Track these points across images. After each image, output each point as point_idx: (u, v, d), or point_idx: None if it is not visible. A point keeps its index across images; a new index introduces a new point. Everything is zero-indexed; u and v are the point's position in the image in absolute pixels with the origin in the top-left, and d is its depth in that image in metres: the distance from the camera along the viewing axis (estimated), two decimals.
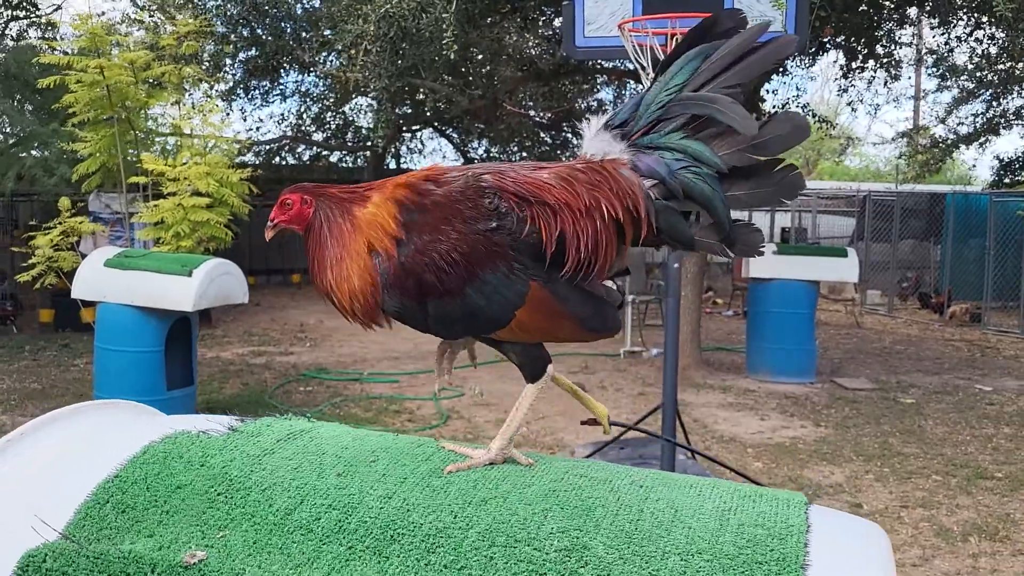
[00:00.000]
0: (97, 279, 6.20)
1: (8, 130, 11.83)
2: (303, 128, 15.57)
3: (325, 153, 17.30)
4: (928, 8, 9.18)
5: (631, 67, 11.38)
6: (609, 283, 1.26)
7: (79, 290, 6.27)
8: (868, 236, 15.62)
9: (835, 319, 13.71)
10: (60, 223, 7.12)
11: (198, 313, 6.51)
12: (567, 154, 17.09)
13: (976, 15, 8.82)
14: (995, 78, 12.62)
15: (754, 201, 1.20)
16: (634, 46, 4.38)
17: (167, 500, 0.99)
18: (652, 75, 4.41)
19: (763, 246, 1.27)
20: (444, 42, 5.98)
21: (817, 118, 10.68)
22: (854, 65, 11.26)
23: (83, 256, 7.04)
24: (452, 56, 6.22)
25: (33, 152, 10.84)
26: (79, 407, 1.26)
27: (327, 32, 9.03)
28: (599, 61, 10.70)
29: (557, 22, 10.23)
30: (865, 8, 8.68)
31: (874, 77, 11.79)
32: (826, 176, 31.34)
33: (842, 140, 20.31)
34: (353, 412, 7.17)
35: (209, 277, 5.99)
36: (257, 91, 12.23)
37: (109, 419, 1.26)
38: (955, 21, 10.02)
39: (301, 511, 0.96)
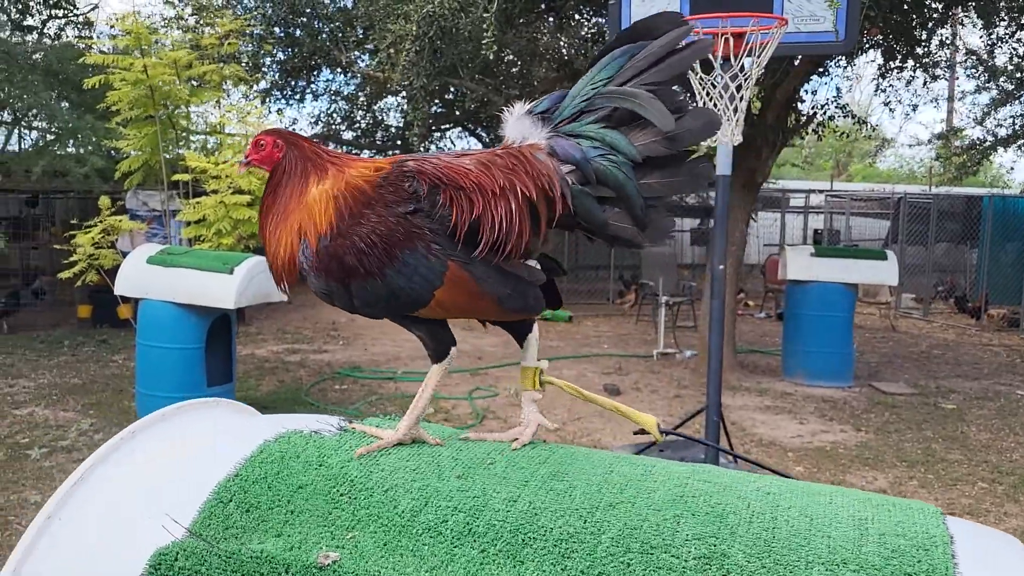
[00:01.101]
0: (140, 276, 6.26)
1: (45, 125, 12.00)
2: (333, 127, 15.63)
3: (355, 151, 17.36)
4: (973, 8, 9.04)
5: None
6: (532, 263, 1.30)
7: (122, 287, 6.33)
8: (903, 239, 15.43)
9: (869, 322, 13.57)
10: (101, 221, 7.19)
11: (237, 310, 6.56)
12: None
13: (1020, 16, 8.68)
14: None
15: (666, 189, 1.24)
16: None
17: (290, 500, 0.99)
18: (699, 74, 4.39)
19: (673, 230, 1.31)
20: (484, 42, 5.98)
21: (856, 119, 10.56)
22: (892, 65, 11.12)
23: (121, 253, 7.12)
24: (490, 55, 6.21)
25: (69, 148, 10.98)
26: (183, 406, 1.27)
27: (362, 32, 9.07)
28: None
29: (593, 21, 10.20)
30: (908, 8, 8.57)
31: (913, 77, 11.64)
32: (858, 178, 31.01)
33: (876, 142, 20.08)
34: (389, 411, 7.18)
35: (250, 275, 6.03)
36: (293, 91, 12.30)
37: (213, 417, 1.26)
38: (997, 21, 9.87)
39: (427, 513, 0.95)
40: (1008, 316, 13.42)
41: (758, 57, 4.21)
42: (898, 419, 7.48)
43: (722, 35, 4.22)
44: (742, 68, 4.21)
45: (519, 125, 1.28)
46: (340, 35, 9.14)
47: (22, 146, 13.23)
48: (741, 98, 4.32)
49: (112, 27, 10.86)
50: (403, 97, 10.67)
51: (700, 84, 4.33)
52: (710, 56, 4.30)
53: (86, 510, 1.05)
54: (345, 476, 1.02)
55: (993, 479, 5.92)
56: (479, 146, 18.29)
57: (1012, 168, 57.14)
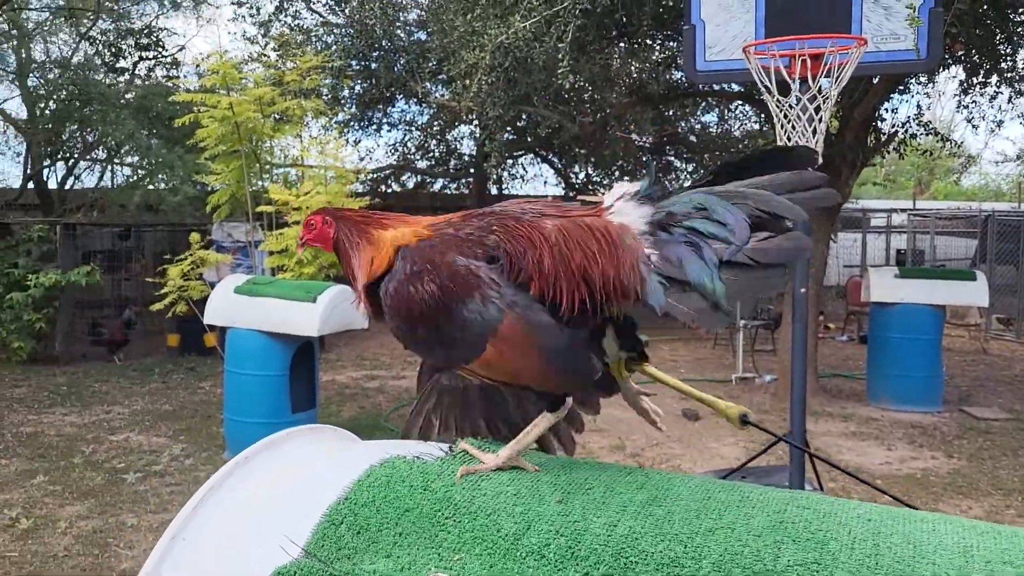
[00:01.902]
0: (228, 306, 6.49)
1: (137, 160, 12.58)
2: (408, 156, 15.94)
3: (429, 180, 17.65)
4: None
5: (737, 89, 11.24)
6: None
7: (211, 316, 6.57)
8: (992, 258, 14.88)
9: (958, 345, 13.09)
10: (190, 254, 7.48)
11: (319, 338, 6.73)
12: (669, 177, 16.95)
13: None
14: None
15: (734, 290, 1.19)
16: (758, 68, 4.33)
17: (398, 522, 1.03)
18: (776, 96, 4.36)
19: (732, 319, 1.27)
20: (560, 71, 6.05)
21: (939, 136, 10.29)
22: (975, 81, 10.81)
23: (208, 284, 7.39)
24: (565, 84, 6.28)
25: (160, 183, 11.48)
26: (290, 432, 1.33)
27: (436, 63, 9.25)
28: (710, 84, 10.61)
29: (665, 45, 10.21)
30: (991, 22, 8.34)
31: (997, 92, 11.28)
32: (941, 196, 30.08)
33: (960, 159, 19.49)
34: (466, 436, 7.23)
35: (332, 304, 6.18)
36: (369, 121, 12.62)
37: (318, 443, 1.32)
38: None
39: (529, 536, 0.98)
40: None
41: (837, 77, 4.16)
42: (992, 445, 7.19)
43: (799, 56, 4.19)
44: (820, 89, 4.17)
45: (622, 202, 1.26)
46: (415, 66, 9.35)
47: (115, 182, 13.87)
48: (820, 119, 4.27)
49: (198, 66, 11.37)
50: (476, 126, 10.84)
51: (777, 106, 4.30)
52: (787, 77, 4.27)
53: (204, 533, 1.11)
54: (449, 500, 1.06)
55: None
56: (552, 171, 18.41)
57: None
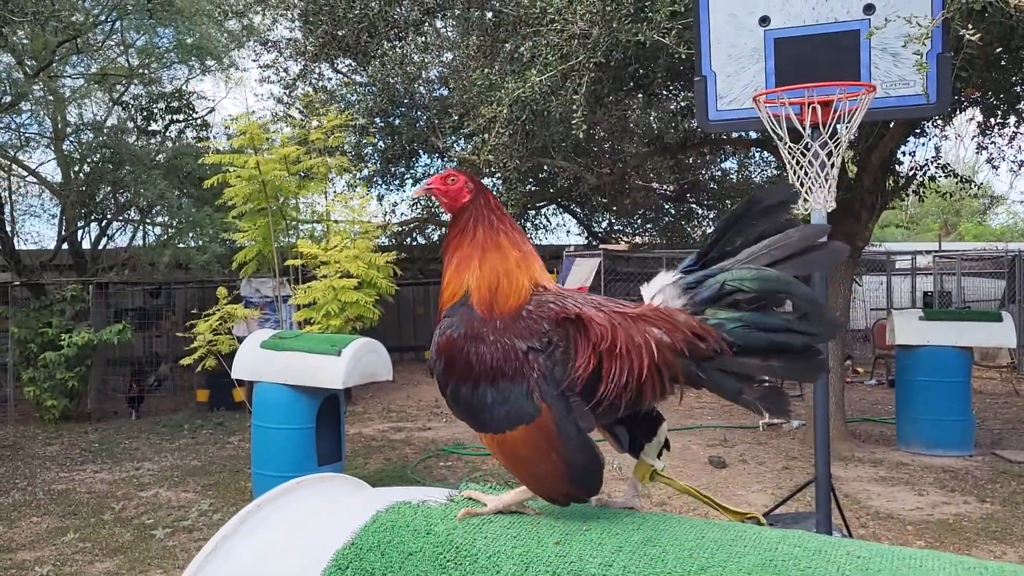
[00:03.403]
0: (254, 360, 6.57)
1: (167, 220, 12.86)
2: (432, 209, 16.14)
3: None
4: None
5: (755, 136, 11.32)
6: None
7: (239, 371, 6.65)
8: (1021, 298, 14.70)
9: (990, 387, 12.88)
10: (218, 310, 7.61)
11: (345, 390, 6.79)
12: (691, 224, 17.00)
13: None
14: None
15: (778, 373, 1.28)
16: (769, 116, 4.41)
17: (402, 566, 1.08)
18: (788, 143, 4.42)
19: (791, 410, 1.32)
20: (575, 122, 6.17)
21: (959, 178, 10.27)
22: (992, 122, 10.82)
23: (237, 339, 7.50)
24: (580, 135, 6.39)
25: (190, 241, 11.71)
26: (301, 481, 1.38)
27: (457, 118, 9.44)
28: (726, 132, 10.71)
29: (681, 95, 10.34)
30: (1005, 64, 8.38)
31: (1016, 133, 11.28)
32: (968, 236, 29.82)
33: (984, 199, 19.41)
34: (493, 486, 7.21)
35: (356, 356, 6.25)
36: (393, 176, 12.84)
37: (329, 491, 1.37)
38: None
39: None
40: None
41: (848, 123, 4.22)
42: None
43: (809, 104, 4.26)
44: (832, 135, 4.23)
45: (660, 293, 1.33)
46: (436, 122, 9.56)
47: (146, 241, 14.16)
48: (832, 164, 4.32)
49: (227, 128, 11.67)
50: (498, 178, 11.00)
51: (789, 153, 4.36)
52: (798, 125, 4.34)
53: None
54: (451, 543, 1.10)
55: None
56: (574, 221, 18.54)
57: None
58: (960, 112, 9.87)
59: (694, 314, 1.26)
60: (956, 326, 8.37)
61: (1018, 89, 9.74)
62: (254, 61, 13.07)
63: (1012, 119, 10.67)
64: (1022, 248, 16.55)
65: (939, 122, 10.25)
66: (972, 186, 10.75)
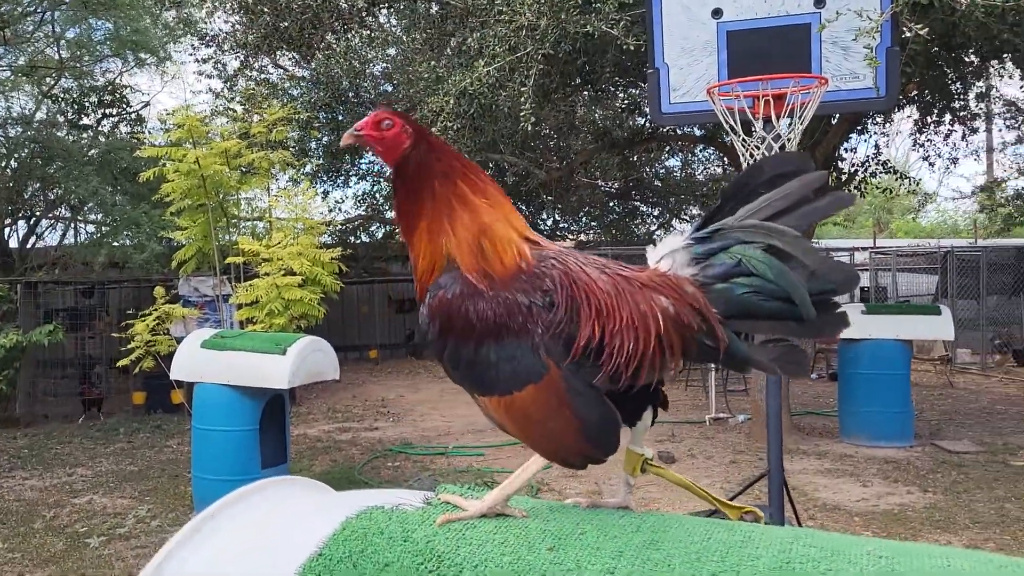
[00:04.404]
0: (194, 360, 6.35)
1: (101, 217, 12.42)
2: (377, 207, 15.93)
3: (397, 231, 17.63)
4: (1009, 59, 9.02)
5: (700, 133, 11.40)
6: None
7: (178, 371, 6.42)
8: (953, 293, 15.12)
9: (925, 379, 13.20)
10: (156, 309, 7.36)
11: (289, 391, 6.61)
12: (636, 221, 17.09)
13: None
14: None
15: (799, 332, 1.22)
16: (723, 109, 4.39)
17: None
18: (742, 136, 4.41)
19: (808, 366, 1.28)
20: (522, 115, 6.09)
21: (898, 175, 10.50)
22: (929, 120, 11.10)
23: (175, 339, 7.25)
24: (529, 128, 6.31)
25: (125, 240, 11.32)
26: (260, 485, 1.26)
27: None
28: (673, 128, 10.76)
29: (627, 93, 10.35)
30: (943, 63, 8.58)
31: (951, 131, 11.59)
32: (900, 233, 30.66)
33: (918, 197, 19.96)
34: (443, 486, 7.10)
35: (302, 355, 6.08)
36: (338, 172, 12.61)
37: (291, 496, 1.26)
38: None
39: None
40: None
41: (800, 117, 4.22)
42: (966, 479, 7.20)
43: (763, 97, 4.25)
44: (786, 127, 4.22)
45: (668, 257, 1.26)
46: None
47: (78, 239, 13.67)
48: None
49: (164, 122, 11.31)
50: None
51: (743, 146, 4.35)
52: (751, 117, 4.32)
53: None
54: (432, 551, 1.00)
55: None
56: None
57: None
58: (899, 110, 10.08)
59: (702, 287, 1.18)
60: (897, 320, 8.52)
61: (953, 88, 10.00)
62: (191, 55, 12.68)
63: (947, 117, 10.97)
64: (954, 244, 17.04)
65: (880, 119, 10.46)
66: (911, 182, 10.99)
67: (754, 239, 1.18)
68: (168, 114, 8.22)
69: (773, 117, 4.25)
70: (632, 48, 5.60)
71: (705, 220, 1.26)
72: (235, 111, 9.35)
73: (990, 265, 15.27)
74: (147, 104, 15.05)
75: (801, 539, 0.97)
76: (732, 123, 4.35)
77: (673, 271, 1.21)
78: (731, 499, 5.24)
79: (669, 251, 1.24)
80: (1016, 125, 12.68)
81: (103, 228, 12.00)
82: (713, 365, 10.27)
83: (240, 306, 7.34)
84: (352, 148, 8.07)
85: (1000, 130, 15.02)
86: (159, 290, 7.46)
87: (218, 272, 7.78)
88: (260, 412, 6.24)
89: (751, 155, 4.32)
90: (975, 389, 12.51)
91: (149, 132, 13.72)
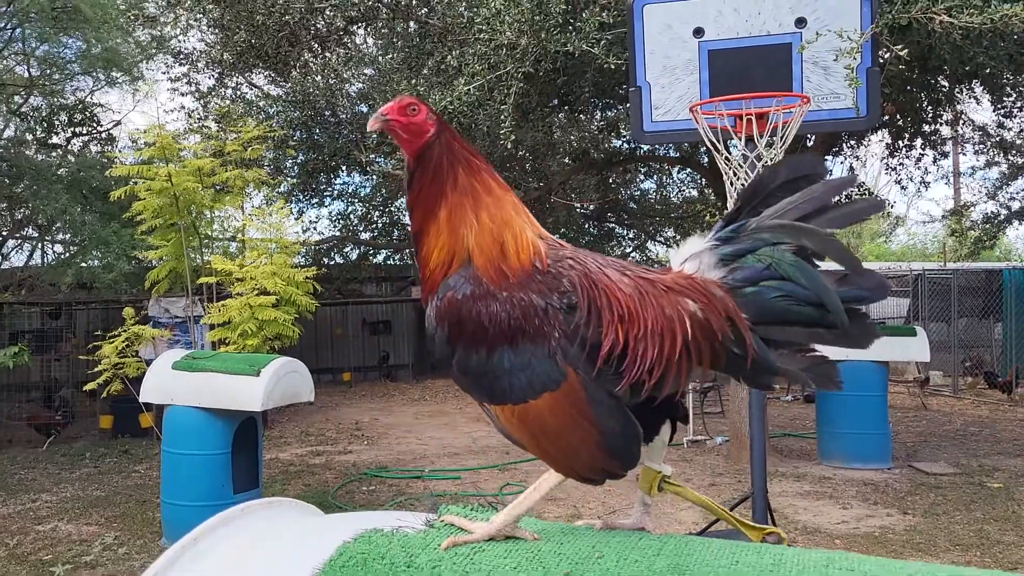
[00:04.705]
0: (165, 382, 6.20)
1: (70, 237, 12.18)
2: (351, 228, 15.82)
3: (372, 252, 17.51)
4: (979, 84, 9.17)
5: (675, 155, 11.42)
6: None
7: (147, 394, 6.27)
8: (925, 316, 15.27)
9: (899, 401, 13.28)
10: (125, 330, 7.19)
11: (261, 414, 6.47)
12: (611, 243, 17.10)
13: None
14: None
15: (830, 341, 1.17)
16: (705, 128, 4.37)
17: None
18: (725, 154, 4.39)
19: (841, 379, 1.22)
20: (502, 133, 6.05)
21: (874, 197, 10.59)
22: (900, 144, 11.23)
23: (145, 361, 7.09)
24: (508, 146, 6.27)
25: (94, 261, 11.10)
26: (245, 507, 1.18)
27: (377, 135, 9.22)
28: (651, 149, 10.79)
29: (605, 114, 10.38)
30: (914, 88, 8.69)
31: (922, 155, 11.74)
32: (871, 257, 31.02)
33: (889, 220, 20.21)
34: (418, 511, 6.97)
35: (277, 376, 5.96)
36: (313, 192, 12.49)
37: (278, 519, 1.17)
38: (1004, 97, 9.98)
39: None
40: None
41: (783, 135, 4.21)
42: (944, 500, 7.20)
43: (745, 116, 4.24)
44: (768, 146, 4.21)
45: (693, 259, 1.20)
46: (359, 136, 9.33)
47: (45, 260, 13.41)
48: None
49: (135, 141, 11.15)
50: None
51: (726, 164, 4.33)
52: (734, 135, 4.31)
53: None
54: None
55: None
56: None
57: None
58: (873, 132, 10.19)
59: (731, 290, 1.12)
60: (874, 341, 8.54)
61: (925, 113, 10.14)
62: (164, 73, 12.54)
63: (918, 141, 11.12)
64: (925, 267, 17.24)
65: (852, 142, 10.57)
66: (888, 205, 11.09)
67: (783, 239, 1.12)
68: (141, 132, 8.10)
69: (756, 136, 4.24)
70: (612, 67, 5.59)
71: (727, 221, 1.20)
72: (209, 128, 9.24)
73: (960, 288, 15.45)
74: (118, 123, 14.81)
75: (836, 563, 0.91)
76: (715, 141, 4.33)
77: (700, 273, 1.15)
78: (712, 523, 5.16)
79: (694, 253, 1.17)
80: (985, 150, 12.86)
81: (71, 248, 11.77)
82: (708, 383, 10.27)
83: (212, 327, 7.19)
84: (327, 167, 7.98)
85: (968, 155, 15.27)
86: (129, 311, 7.31)
87: (190, 292, 7.63)
88: (232, 435, 6.10)
89: (734, 174, 4.31)
90: (948, 411, 12.59)
91: (120, 151, 13.54)
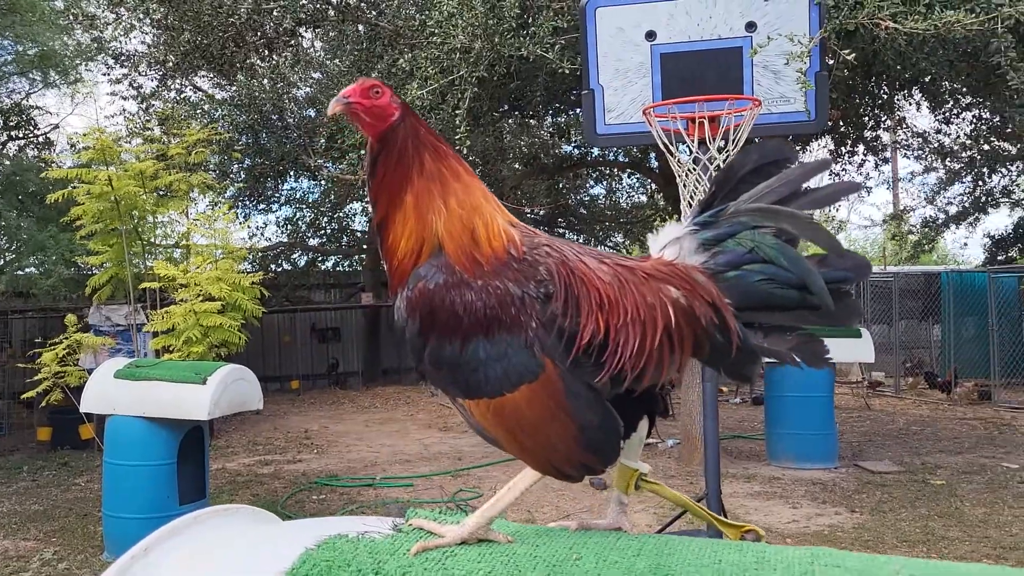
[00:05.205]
0: (107, 391, 6.01)
1: (4, 243, 11.79)
2: (299, 234, 15.62)
3: (320, 258, 17.31)
4: (918, 91, 9.40)
5: (625, 160, 11.49)
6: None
7: (88, 404, 6.07)
8: (868, 318, 15.60)
9: (844, 402, 13.53)
10: (66, 338, 6.97)
11: (208, 423, 6.32)
12: None
13: (973, 96, 9.04)
14: (981, 158, 12.89)
15: (815, 322, 1.19)
16: (659, 130, 4.39)
17: None
18: (678, 156, 4.41)
19: (830, 356, 1.22)
20: (457, 138, 6.01)
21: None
22: (843, 150, 11.49)
23: (86, 370, 6.89)
24: (464, 151, 6.23)
25: (30, 268, 10.76)
26: (198, 515, 1.12)
27: (323, 141, 9.08)
28: (602, 154, 10.84)
29: (555, 120, 10.40)
30: (856, 95, 8.88)
31: (864, 160, 12.02)
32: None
33: (832, 225, 20.68)
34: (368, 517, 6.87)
35: (224, 384, 5.82)
36: (260, 198, 12.29)
37: (234, 527, 1.11)
38: (942, 105, 10.26)
39: None
40: (978, 389, 13.52)
41: (735, 138, 4.25)
42: (890, 498, 7.33)
43: (698, 119, 4.27)
44: (720, 149, 4.24)
45: (673, 244, 1.18)
46: (307, 141, 9.19)
47: None
48: None
49: (74, 144, 10.83)
50: (368, 202, 10.67)
51: (679, 167, 4.35)
52: (686, 137, 4.33)
53: None
54: None
55: (998, 555, 5.77)
56: None
57: (966, 244, 59.00)
58: (817, 138, 10.38)
59: (713, 275, 1.10)
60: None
61: (866, 119, 10.37)
62: (105, 75, 12.23)
63: (860, 147, 11.38)
64: None
65: (797, 147, 10.75)
66: (824, 210, 11.32)
67: (763, 223, 1.11)
68: (81, 135, 7.86)
69: (708, 138, 4.26)
70: (566, 72, 5.58)
71: (704, 206, 1.18)
72: (152, 130, 9.02)
73: (901, 291, 15.83)
74: (56, 126, 14.41)
75: (820, 559, 0.89)
76: (668, 144, 4.35)
77: (680, 259, 1.12)
78: (667, 525, 5.17)
79: (674, 238, 1.15)
80: (924, 156, 13.22)
81: (6, 254, 11.39)
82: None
83: (156, 334, 7.00)
84: (276, 172, 7.81)
85: (908, 160, 15.67)
86: (70, 318, 7.08)
87: (132, 299, 7.42)
88: (177, 445, 5.94)
89: (686, 175, 4.33)
90: (891, 411, 12.87)
91: (58, 154, 13.17)
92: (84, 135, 7.64)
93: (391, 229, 1.15)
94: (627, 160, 11.32)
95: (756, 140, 8.12)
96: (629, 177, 14.60)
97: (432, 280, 1.08)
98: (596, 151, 10.39)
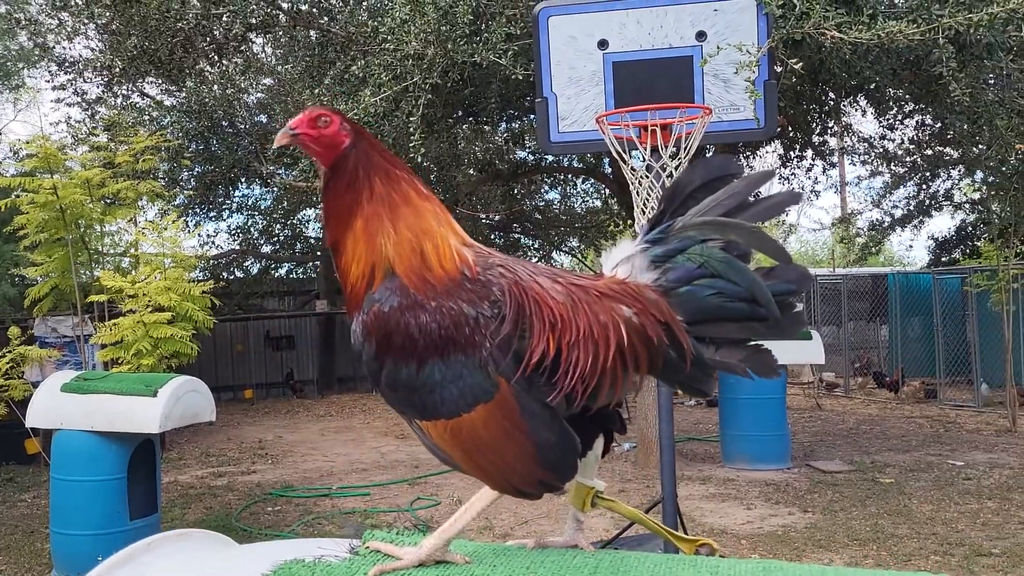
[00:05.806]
0: (54, 405, 5.87)
1: None
2: (252, 241, 15.43)
3: (274, 265, 17.11)
4: (863, 98, 9.62)
5: (580, 166, 11.56)
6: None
7: (34, 418, 5.92)
8: (818, 319, 15.90)
9: (795, 403, 13.76)
10: (9, 351, 6.80)
11: (160, 435, 6.21)
12: (517, 254, 17.20)
13: (915, 104, 9.26)
14: (924, 163, 13.21)
15: (764, 334, 1.22)
16: (612, 138, 4.42)
17: None
18: (631, 164, 4.45)
19: (780, 366, 1.27)
20: (412, 145, 5.99)
21: (790, 190, 10.97)
22: (792, 155, 11.69)
23: (31, 384, 6.73)
24: (419, 159, 6.21)
25: None
26: (150, 542, 1.10)
27: (275, 148, 8.95)
28: (556, 160, 10.89)
29: (509, 126, 10.43)
30: (804, 101, 9.05)
31: (812, 165, 12.25)
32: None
33: (782, 228, 21.03)
34: (328, 530, 6.81)
35: (175, 396, 5.72)
36: (211, 206, 12.11)
37: (188, 552, 1.09)
38: (887, 111, 10.50)
39: None
40: (924, 387, 13.86)
41: (687, 146, 4.30)
42: (841, 497, 7.48)
43: (650, 127, 4.31)
44: (672, 156, 4.29)
45: (625, 263, 1.20)
46: (259, 147, 9.09)
47: None
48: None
49: (16, 152, 10.57)
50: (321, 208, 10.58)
51: (632, 174, 4.39)
52: (638, 145, 4.37)
53: None
54: None
55: (945, 551, 5.92)
56: None
57: (911, 246, 60.49)
58: (767, 143, 10.55)
59: (665, 293, 1.12)
60: (773, 345, 8.82)
61: (814, 125, 10.57)
62: (48, 82, 11.94)
63: (809, 152, 11.60)
64: (816, 273, 17.96)
65: (748, 153, 10.93)
66: (801, 197, 11.53)
67: (711, 235, 1.13)
68: (24, 143, 7.67)
69: (660, 146, 4.31)
70: (520, 78, 5.60)
71: (653, 223, 1.20)
72: (98, 137, 8.82)
73: (849, 293, 16.16)
74: None
75: (772, 572, 0.90)
76: (621, 151, 4.38)
77: (632, 277, 1.14)
78: (624, 531, 5.21)
79: (625, 256, 1.16)
80: (870, 160, 13.51)
81: None
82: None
83: (103, 346, 6.86)
84: (227, 179, 7.72)
85: (855, 165, 15.99)
86: (14, 330, 6.91)
87: (79, 310, 7.25)
88: (127, 459, 5.82)
89: (639, 183, 4.37)
90: (841, 411, 13.13)
91: (0, 162, 12.82)
92: (27, 142, 7.46)
93: (343, 252, 1.16)
94: (582, 166, 11.40)
95: (708, 147, 8.26)
96: (584, 182, 14.69)
97: (387, 303, 1.08)
98: (551, 157, 10.44)
